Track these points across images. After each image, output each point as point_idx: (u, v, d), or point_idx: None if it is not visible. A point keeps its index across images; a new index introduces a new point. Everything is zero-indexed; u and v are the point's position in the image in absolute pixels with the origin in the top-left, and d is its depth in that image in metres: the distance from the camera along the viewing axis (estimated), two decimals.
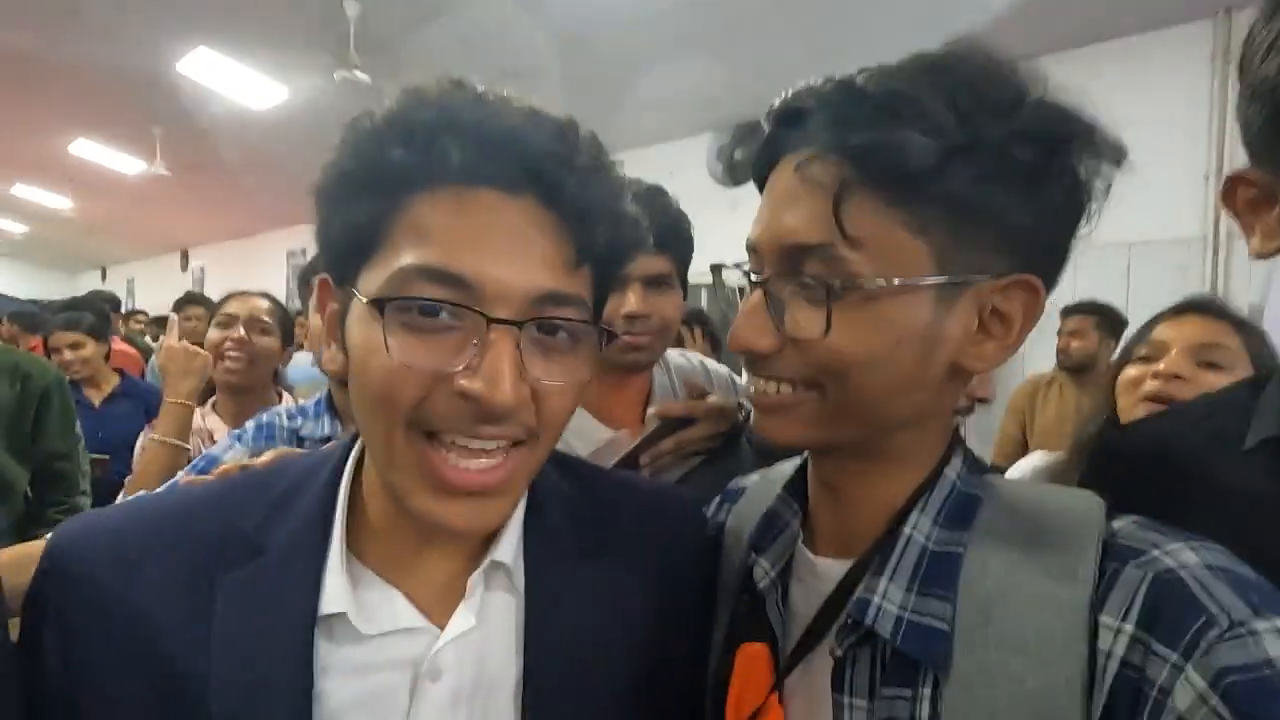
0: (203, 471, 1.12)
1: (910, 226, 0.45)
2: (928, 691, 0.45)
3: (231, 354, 1.67)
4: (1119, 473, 0.62)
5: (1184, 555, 0.41)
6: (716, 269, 0.59)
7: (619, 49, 3.60)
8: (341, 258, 0.48)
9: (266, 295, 1.82)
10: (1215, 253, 2.77)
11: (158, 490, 0.55)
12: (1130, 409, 1.13)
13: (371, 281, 0.46)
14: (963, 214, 0.45)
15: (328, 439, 1.18)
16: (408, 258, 0.44)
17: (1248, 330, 1.10)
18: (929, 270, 0.46)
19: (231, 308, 1.73)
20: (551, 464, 0.59)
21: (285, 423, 1.22)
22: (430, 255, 0.44)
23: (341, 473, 0.53)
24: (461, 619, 0.50)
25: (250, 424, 1.24)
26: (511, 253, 0.45)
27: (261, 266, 9.35)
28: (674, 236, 1.04)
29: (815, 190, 0.47)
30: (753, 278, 0.52)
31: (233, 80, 4.46)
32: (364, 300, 0.45)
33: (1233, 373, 1.07)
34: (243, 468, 0.63)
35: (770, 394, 0.51)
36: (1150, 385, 1.09)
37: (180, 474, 1.17)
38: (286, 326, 1.80)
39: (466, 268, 0.43)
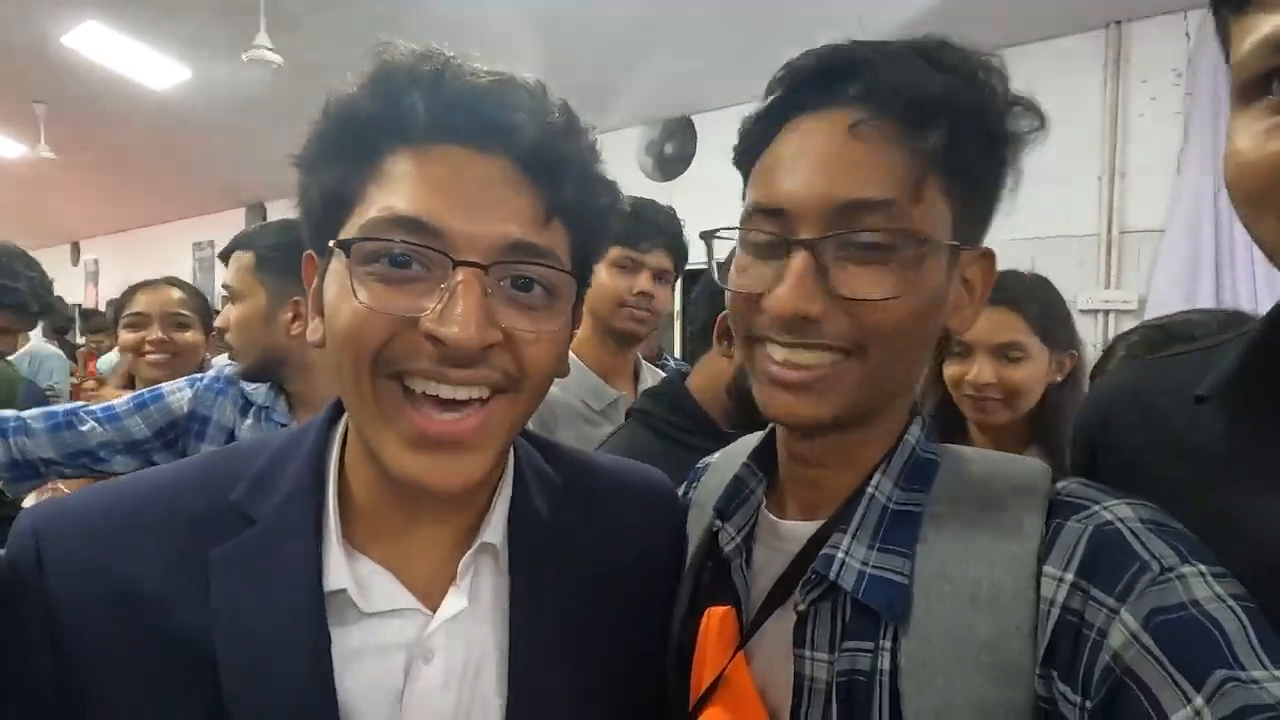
0: (142, 404, 1.21)
1: (943, 189, 0.48)
2: (888, 644, 0.47)
3: (152, 356, 1.58)
4: (1093, 421, 0.65)
5: (1121, 510, 0.45)
6: (709, 235, 0.56)
7: (547, 40, 3.54)
8: (320, 224, 0.49)
9: (175, 282, 1.70)
10: (1109, 249, 2.99)
11: (130, 476, 0.54)
12: (960, 402, 1.32)
13: (344, 234, 0.47)
14: (976, 186, 0.50)
15: (270, 408, 1.23)
16: (375, 209, 0.45)
17: (1029, 307, 1.27)
18: (950, 234, 0.49)
19: (140, 305, 1.62)
20: (534, 446, 0.61)
21: (241, 382, 1.26)
22: (398, 204, 0.45)
23: (325, 444, 0.54)
24: (453, 602, 0.51)
25: (211, 372, 1.29)
26: (480, 204, 0.45)
27: (164, 259, 8.71)
28: (682, 246, 1.41)
29: (874, 148, 0.47)
30: (787, 241, 0.48)
31: (127, 57, 4.14)
32: (333, 248, 0.46)
33: (1030, 360, 1.25)
34: None
35: (809, 365, 0.49)
36: (968, 392, 1.28)
37: (122, 400, 1.23)
38: (204, 313, 1.70)
39: (433, 215, 0.44)
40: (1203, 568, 0.40)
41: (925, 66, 0.48)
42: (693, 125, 4.39)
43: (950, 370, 1.31)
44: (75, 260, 10.31)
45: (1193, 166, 2.75)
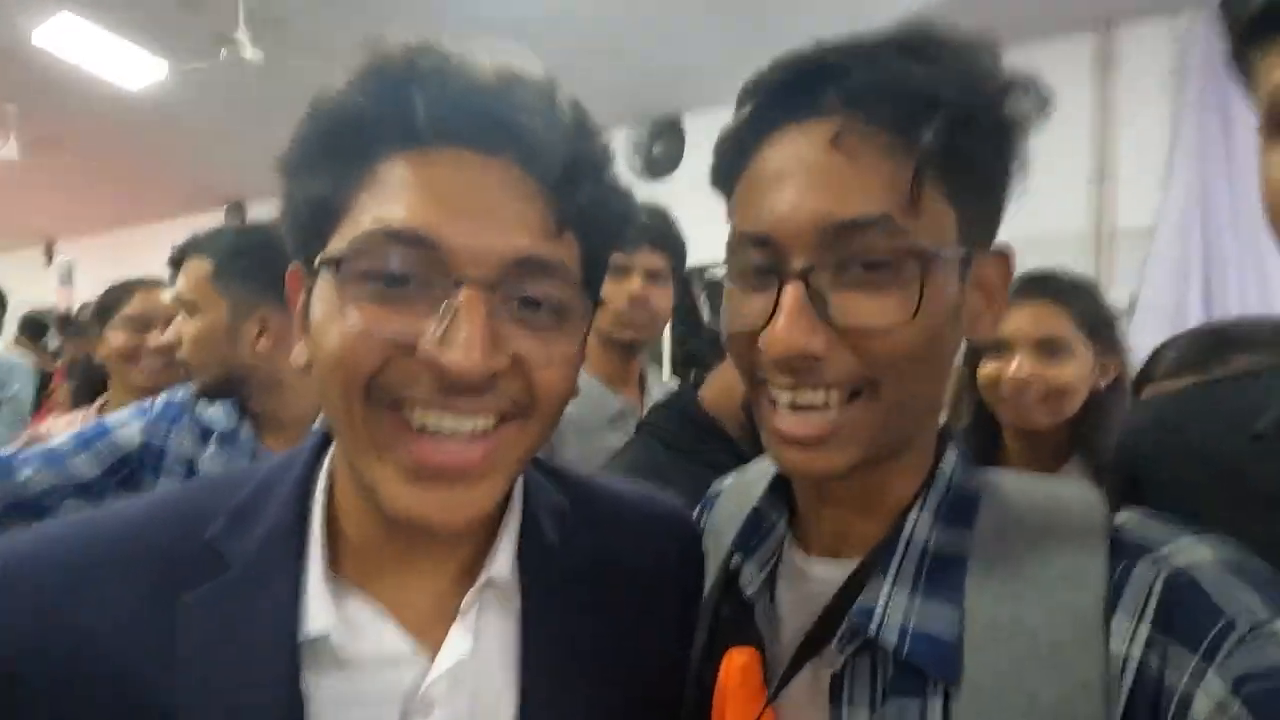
0: (87, 442, 1.09)
1: (948, 195, 0.44)
2: (938, 703, 0.42)
3: (148, 362, 1.48)
4: (1137, 448, 0.63)
5: (1197, 551, 0.40)
6: (699, 271, 0.52)
7: (532, 39, 3.49)
8: (306, 234, 0.44)
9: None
10: (1099, 249, 2.99)
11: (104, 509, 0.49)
12: (998, 405, 1.23)
13: (333, 250, 0.42)
14: (981, 182, 0.46)
15: (233, 433, 1.12)
16: (367, 220, 0.41)
17: (1075, 303, 1.20)
18: (958, 240, 0.45)
19: (139, 306, 1.51)
20: (544, 474, 0.56)
21: (197, 408, 1.15)
22: (392, 214, 0.40)
23: (310, 478, 0.48)
24: (455, 647, 0.46)
25: (161, 399, 1.16)
26: (484, 214, 0.41)
27: (141, 261, 8.54)
28: (673, 241, 1.32)
29: (860, 159, 0.42)
30: (777, 272, 0.44)
31: (102, 53, 4.03)
32: (320, 265, 0.41)
33: (1074, 359, 1.17)
34: None
35: (818, 408, 0.44)
36: (1009, 388, 1.19)
37: (62, 436, 1.11)
38: None
39: (432, 228, 0.40)
40: None
41: (906, 61, 0.43)
42: (680, 125, 4.36)
43: (986, 370, 1.22)
44: (49, 261, 10.09)
45: (1182, 168, 2.77)
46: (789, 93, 0.45)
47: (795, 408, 0.45)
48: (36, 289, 9.66)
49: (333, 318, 0.41)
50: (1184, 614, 0.38)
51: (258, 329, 1.06)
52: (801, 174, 0.44)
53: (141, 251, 8.59)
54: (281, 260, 1.16)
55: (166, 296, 1.55)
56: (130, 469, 1.11)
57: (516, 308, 0.43)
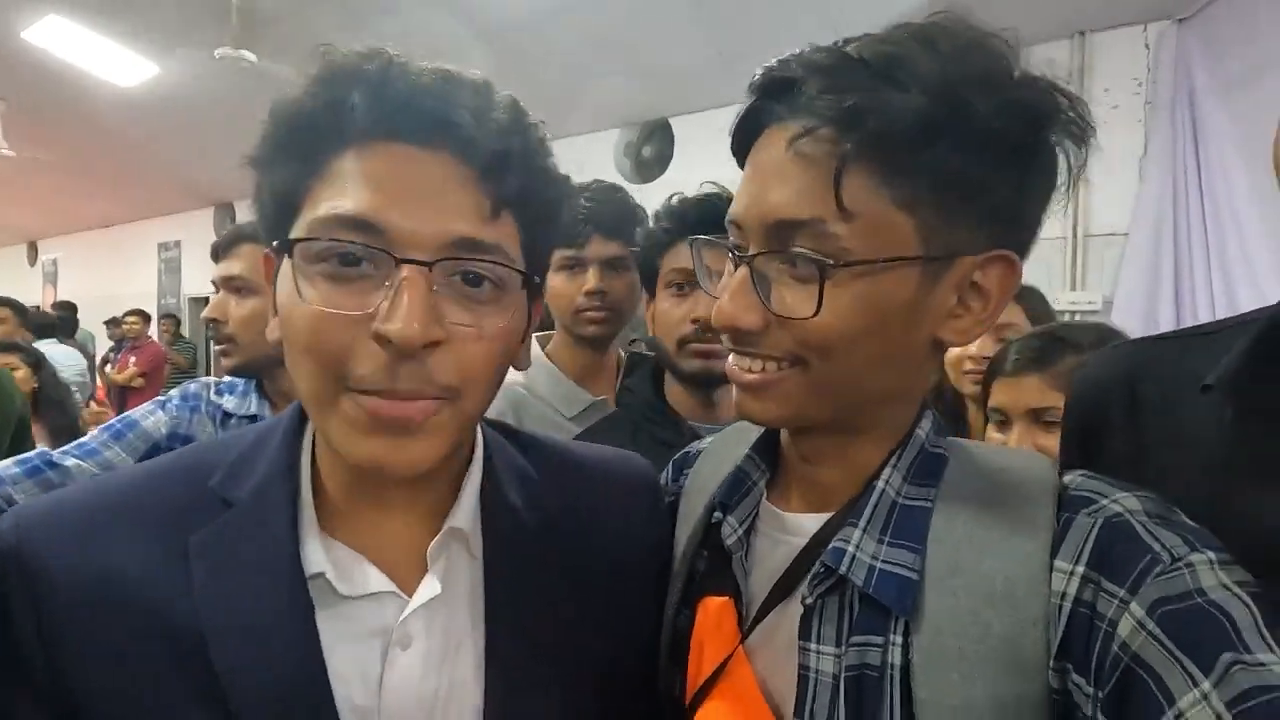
0: (118, 435, 1.17)
1: (899, 202, 0.45)
2: (898, 638, 0.47)
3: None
4: (1091, 400, 0.65)
5: (1129, 502, 0.45)
6: (695, 243, 0.58)
7: (527, 43, 3.53)
8: (272, 223, 0.49)
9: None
10: (1074, 252, 3.07)
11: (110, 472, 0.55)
12: (961, 382, 1.38)
13: (291, 235, 0.47)
14: (951, 188, 0.46)
15: (254, 418, 1.19)
16: (321, 209, 0.46)
17: (1024, 300, 1.35)
18: (915, 246, 0.46)
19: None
20: (509, 440, 0.62)
21: (211, 396, 1.22)
22: (342, 203, 0.45)
23: (297, 435, 0.55)
24: (428, 586, 0.51)
25: (176, 392, 1.24)
26: (423, 201, 0.46)
27: (127, 260, 8.50)
28: (627, 227, 1.24)
29: (808, 164, 0.46)
30: (735, 254, 0.51)
31: (91, 53, 4.03)
32: (282, 250, 0.47)
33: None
34: None
35: (754, 372, 0.50)
36: (971, 365, 1.34)
37: (94, 431, 1.19)
38: None
39: (378, 214, 0.45)
40: (1211, 555, 0.41)
41: (861, 76, 0.45)
42: (670, 128, 4.41)
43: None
44: (33, 260, 10.01)
45: (1153, 174, 2.84)
46: (765, 98, 0.50)
47: (739, 367, 0.52)
48: (20, 287, 9.57)
49: (295, 300, 0.46)
50: (1115, 553, 0.43)
51: None
52: (761, 172, 0.49)
53: (127, 250, 8.54)
54: None
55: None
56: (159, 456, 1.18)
57: (460, 284, 0.47)
